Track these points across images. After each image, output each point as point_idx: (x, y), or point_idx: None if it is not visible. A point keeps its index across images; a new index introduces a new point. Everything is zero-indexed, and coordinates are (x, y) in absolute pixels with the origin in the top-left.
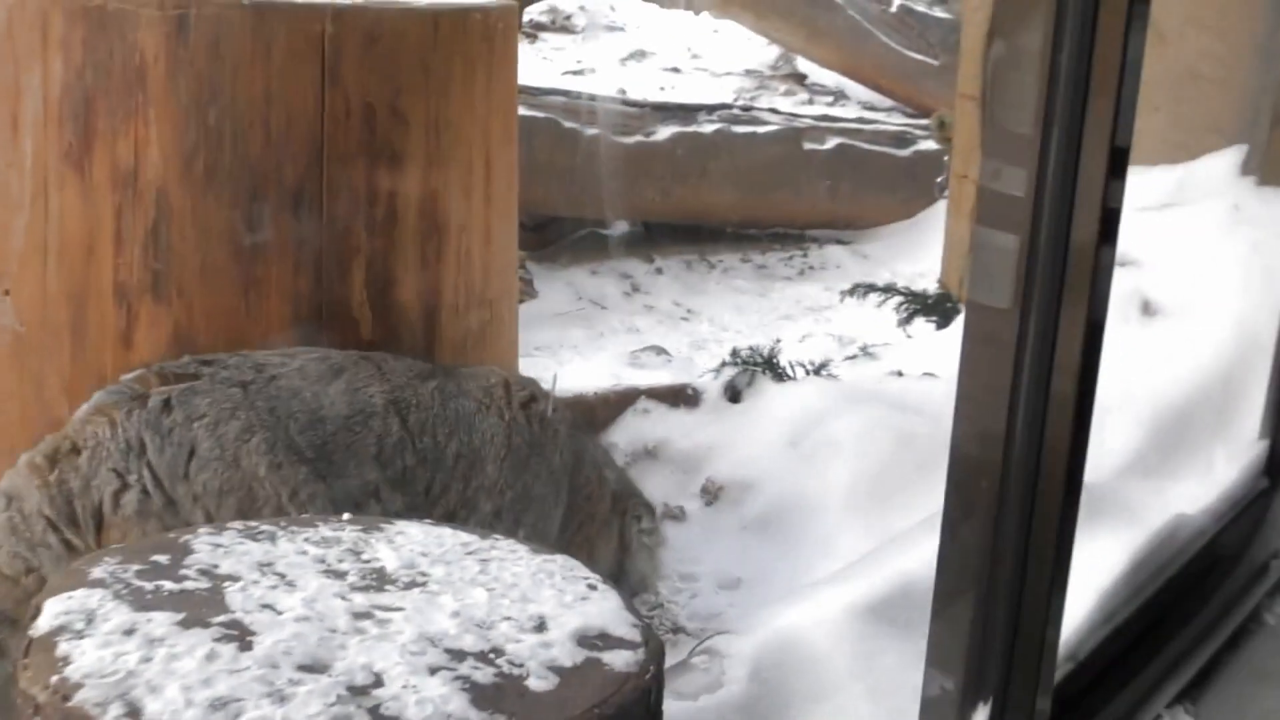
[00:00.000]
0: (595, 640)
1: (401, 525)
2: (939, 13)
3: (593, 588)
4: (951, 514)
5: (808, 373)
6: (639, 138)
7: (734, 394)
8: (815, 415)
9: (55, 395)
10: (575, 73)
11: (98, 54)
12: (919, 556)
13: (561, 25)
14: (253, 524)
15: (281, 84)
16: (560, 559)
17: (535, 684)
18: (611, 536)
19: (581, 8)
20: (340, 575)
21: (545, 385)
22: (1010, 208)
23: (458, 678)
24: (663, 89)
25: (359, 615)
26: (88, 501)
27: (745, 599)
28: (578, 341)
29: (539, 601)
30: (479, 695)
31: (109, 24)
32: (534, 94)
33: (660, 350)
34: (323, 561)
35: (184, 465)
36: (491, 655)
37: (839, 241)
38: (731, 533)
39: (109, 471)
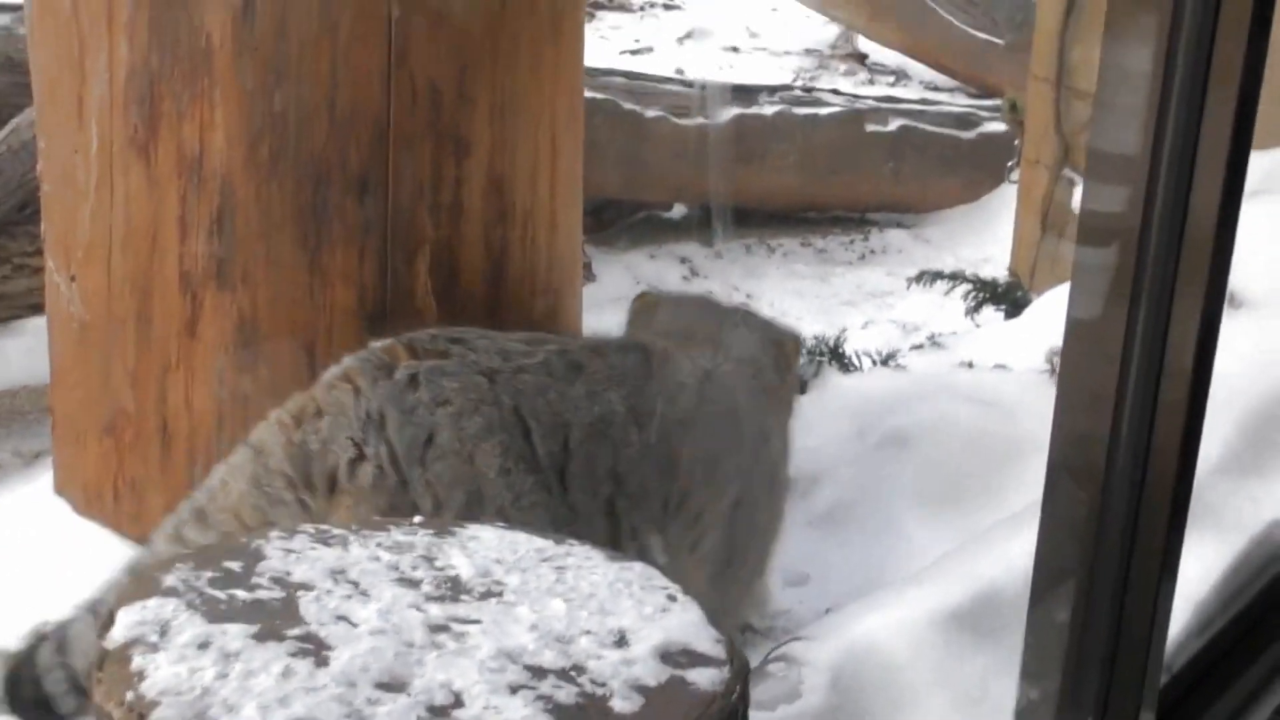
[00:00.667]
0: (679, 657)
1: (474, 530)
2: None
3: (672, 599)
4: (1049, 520)
5: (875, 363)
6: (700, 120)
7: (800, 384)
8: (884, 407)
9: (120, 383)
10: (633, 52)
11: (164, 37)
12: (1002, 561)
13: (619, 4)
14: (323, 527)
15: (347, 66)
16: (638, 567)
17: (619, 705)
18: None
19: None
20: (414, 584)
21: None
22: (1119, 206)
23: (540, 698)
24: (721, 69)
25: (435, 628)
26: (324, 466)
27: (813, 596)
28: None
29: (618, 614)
30: (562, 717)
31: (175, 6)
32: (593, 75)
33: None
34: (396, 568)
35: (421, 449)
36: (573, 673)
37: (901, 225)
38: (798, 527)
39: (347, 440)
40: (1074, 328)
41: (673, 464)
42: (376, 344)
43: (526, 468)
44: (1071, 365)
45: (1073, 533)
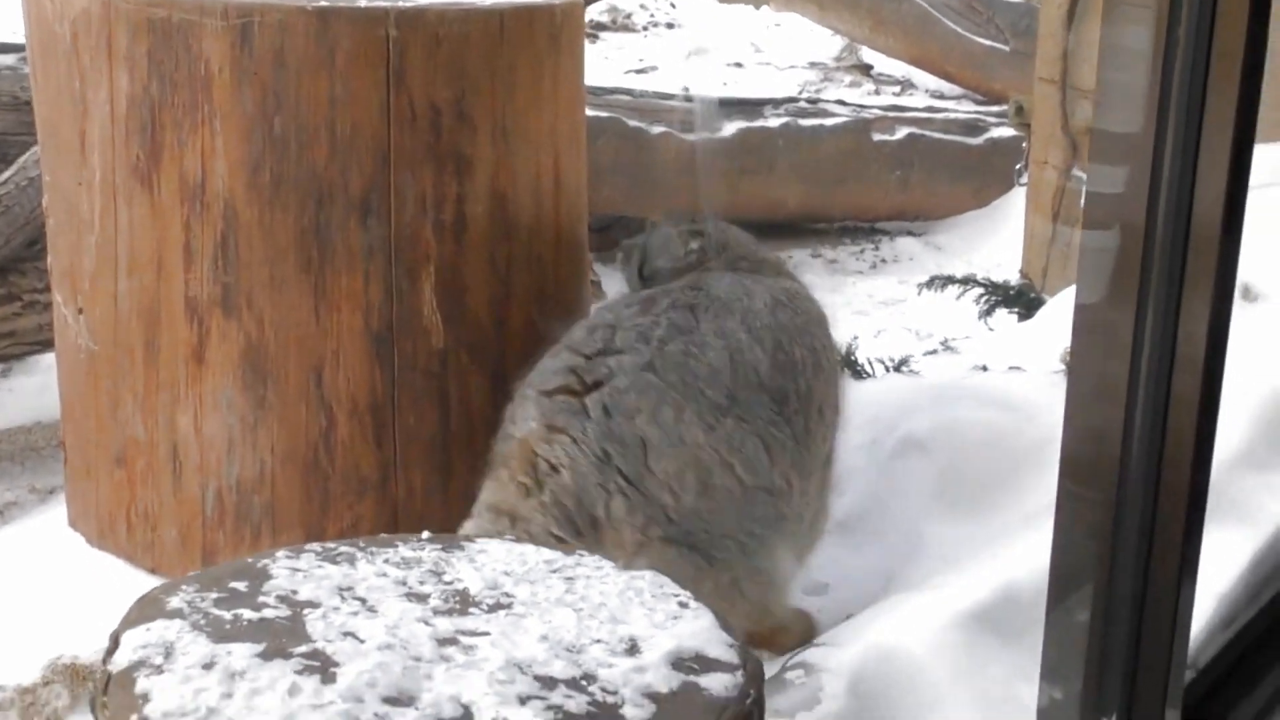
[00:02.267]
0: (691, 663)
1: (482, 543)
2: None
3: (684, 605)
4: (1064, 518)
5: (887, 369)
6: (703, 134)
7: None
8: (898, 412)
9: (130, 413)
10: (638, 71)
11: (163, 66)
12: (1021, 561)
13: (622, 24)
14: (330, 545)
15: (346, 90)
16: (649, 575)
17: (631, 712)
18: None
19: (641, 5)
20: (422, 598)
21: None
22: (1124, 193)
23: (550, 707)
24: (725, 84)
25: (444, 641)
26: (584, 514)
27: (833, 604)
28: None
29: (629, 622)
30: None
31: (173, 35)
32: (597, 94)
33: None
34: (404, 584)
35: (643, 459)
36: (583, 682)
37: (911, 233)
38: None
39: (596, 487)
40: (1083, 320)
41: (798, 367)
42: (548, 385)
43: (722, 413)
44: (1081, 359)
45: (1089, 530)
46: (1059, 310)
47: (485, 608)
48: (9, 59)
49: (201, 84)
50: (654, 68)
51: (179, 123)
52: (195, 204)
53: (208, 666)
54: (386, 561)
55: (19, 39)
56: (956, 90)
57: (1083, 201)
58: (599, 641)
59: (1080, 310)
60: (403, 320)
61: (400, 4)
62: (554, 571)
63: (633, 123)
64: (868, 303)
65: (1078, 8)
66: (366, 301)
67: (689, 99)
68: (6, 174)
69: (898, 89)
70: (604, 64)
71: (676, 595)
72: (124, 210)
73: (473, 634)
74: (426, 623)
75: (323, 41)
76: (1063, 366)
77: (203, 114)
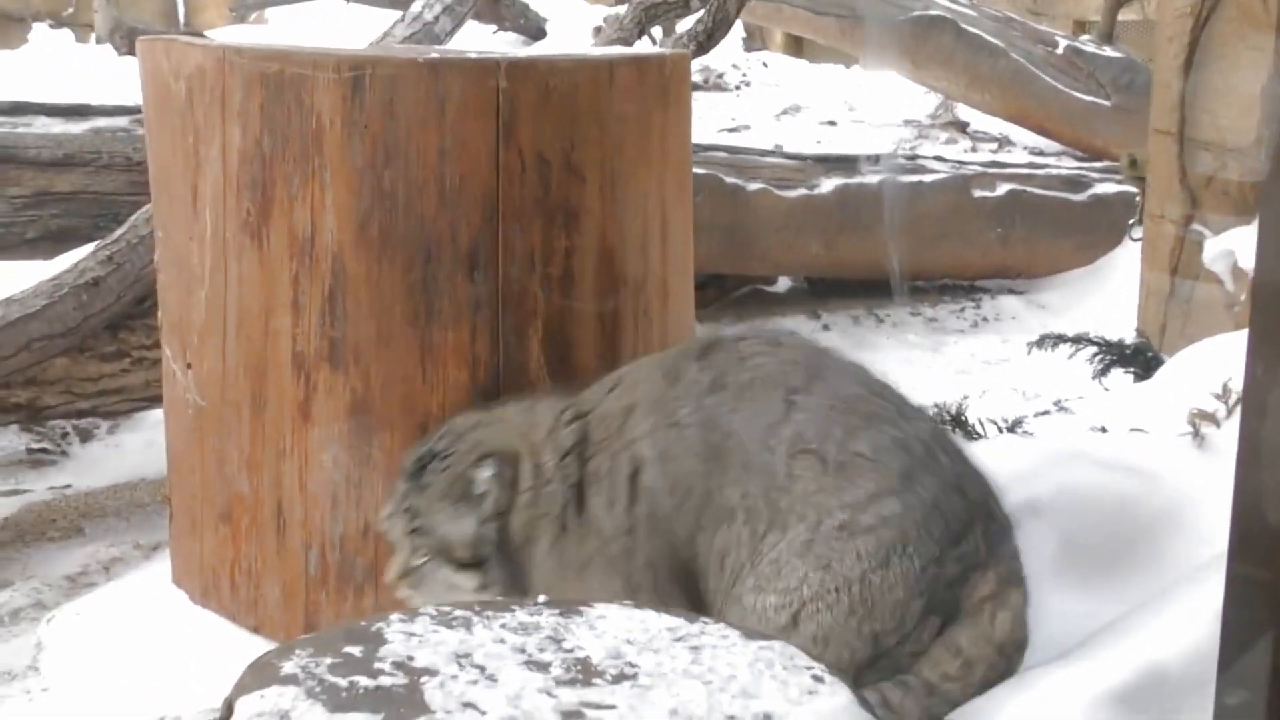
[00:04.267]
0: None
1: (601, 609)
2: (1109, 51)
3: (819, 679)
4: (1234, 605)
5: (1000, 430)
6: (802, 191)
7: None
8: (1014, 475)
9: (236, 469)
10: (731, 129)
11: (275, 120)
12: (1164, 638)
13: (714, 84)
14: (445, 609)
15: (455, 141)
16: (778, 645)
17: None
18: None
19: (734, 65)
20: (543, 667)
21: None
22: None
23: None
24: (819, 142)
25: (568, 715)
26: None
27: None
28: None
29: (762, 697)
30: None
31: (286, 89)
32: (695, 150)
33: None
34: (523, 651)
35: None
36: None
37: (1012, 291)
38: None
39: None
40: (1259, 381)
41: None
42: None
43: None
44: (1254, 419)
45: (1267, 618)
46: (1182, 369)
47: (609, 678)
48: (122, 121)
49: (313, 137)
50: (746, 126)
51: (289, 176)
52: (304, 258)
53: None
54: (504, 627)
55: (130, 102)
56: (1055, 147)
57: (1207, 262)
58: (732, 718)
59: (1255, 370)
60: (509, 375)
61: (511, 55)
62: (678, 640)
63: (729, 179)
64: (970, 362)
65: (1195, 57)
66: (473, 356)
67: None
68: (118, 232)
69: (995, 146)
70: (697, 123)
71: (810, 667)
72: (234, 265)
73: (598, 707)
74: (549, 694)
75: (433, 93)
76: (1191, 429)
77: (313, 167)
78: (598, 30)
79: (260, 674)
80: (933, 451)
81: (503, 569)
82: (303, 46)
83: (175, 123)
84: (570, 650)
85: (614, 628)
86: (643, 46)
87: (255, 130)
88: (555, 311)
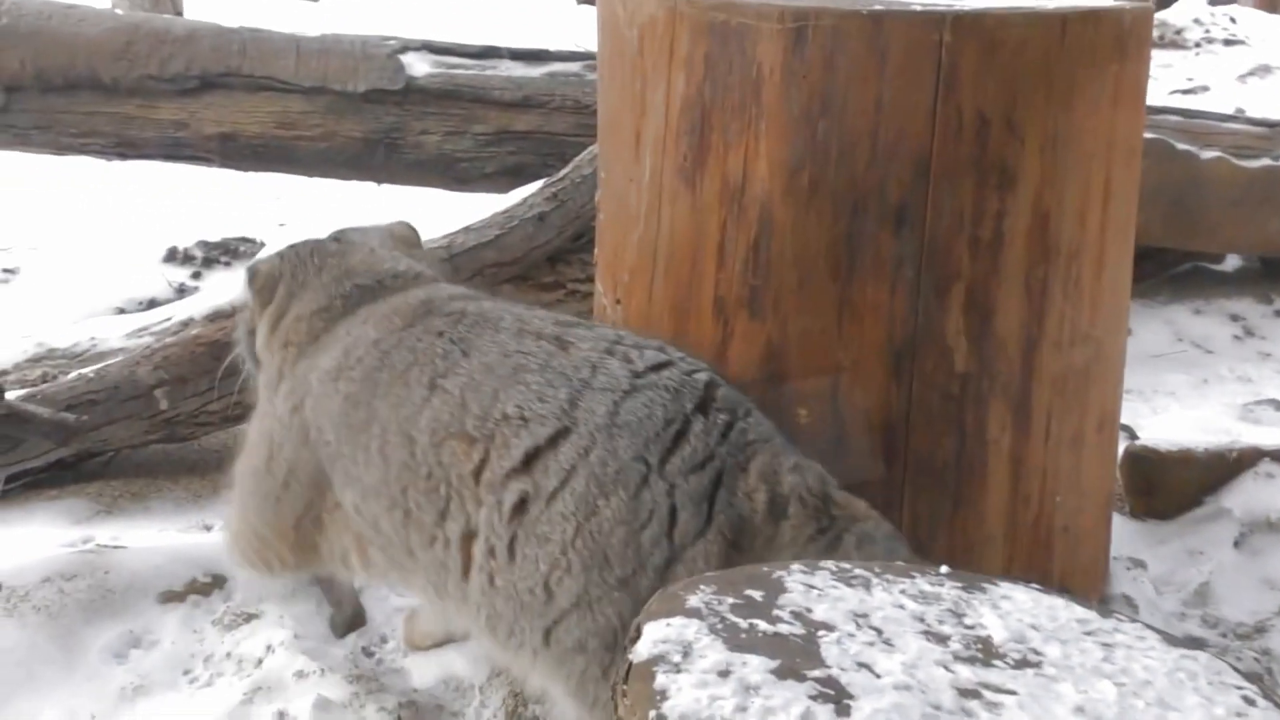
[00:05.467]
0: None
1: (1006, 588)
2: None
3: (1250, 701)
4: None
5: None
6: (1266, 162)
7: None
8: None
9: None
10: (1185, 91)
11: (717, 69)
12: None
13: (1171, 40)
14: (846, 566)
15: (893, 95)
16: (1203, 657)
17: None
18: None
19: (1196, 20)
20: (942, 640)
21: None
22: None
23: None
24: None
25: (965, 693)
26: None
27: None
28: (1176, 387)
29: (1183, 710)
30: None
31: (730, 39)
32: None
33: None
34: (921, 620)
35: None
36: None
37: None
38: None
39: None
40: None
41: None
42: None
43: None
44: None
45: None
46: None
47: (1011, 662)
48: (574, 66)
49: (752, 87)
50: (1204, 88)
51: (726, 125)
52: (733, 205)
53: (723, 674)
54: (903, 593)
55: (582, 48)
56: None
57: None
58: None
59: None
60: (925, 338)
61: (957, 7)
62: (1088, 633)
63: (1181, 145)
64: None
65: None
66: (891, 314)
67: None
68: (564, 171)
69: None
70: (1150, 83)
71: (1239, 686)
72: (667, 209)
73: (998, 690)
74: (947, 668)
75: (874, 46)
76: None
77: (749, 116)
78: None
79: (668, 604)
80: (604, 366)
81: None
82: None
83: (626, 68)
84: (971, 627)
85: (1019, 610)
86: None
87: (698, 78)
88: (980, 275)
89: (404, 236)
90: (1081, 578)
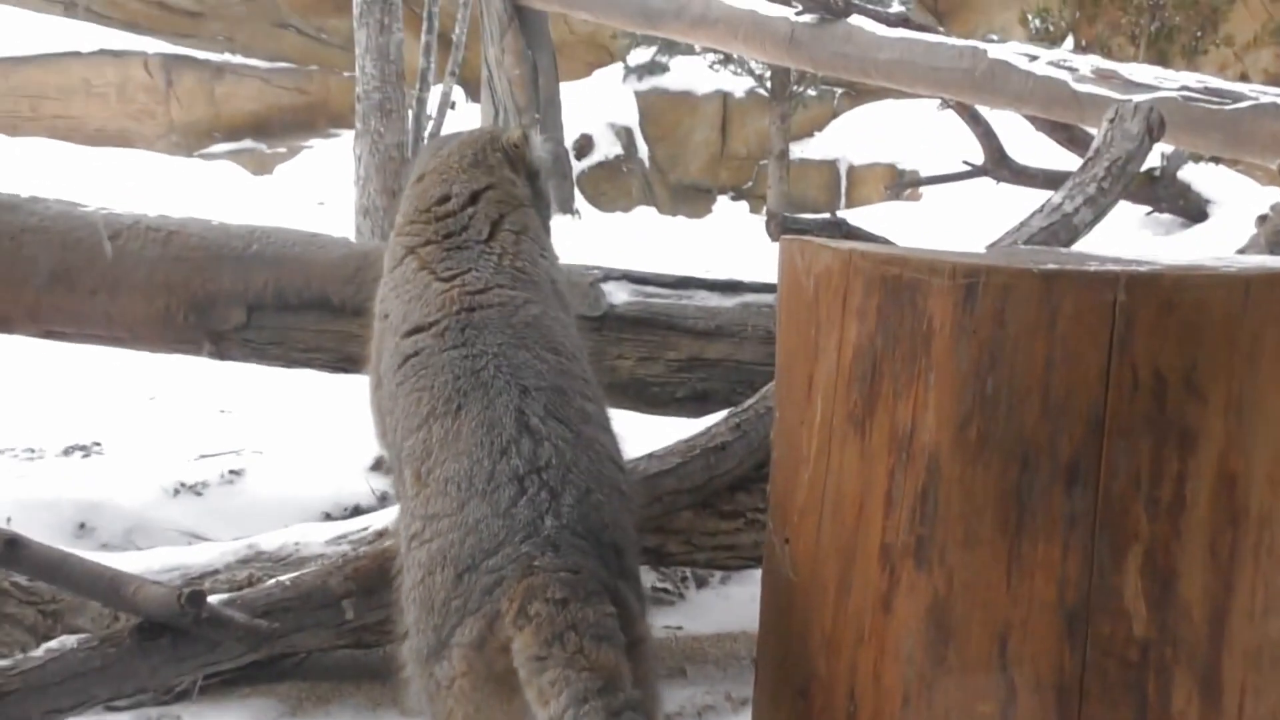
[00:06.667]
0: None
1: None
2: None
3: None
4: None
5: None
6: None
7: None
8: None
9: (816, 648)
10: None
11: (889, 321)
12: None
13: None
14: None
15: (1064, 353)
16: None
17: None
18: None
19: None
20: None
21: None
22: None
23: None
24: None
25: None
26: None
27: None
28: None
29: None
30: None
31: (902, 292)
32: None
33: None
34: None
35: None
36: None
37: None
38: None
39: None
40: None
41: None
42: None
43: None
44: None
45: None
46: None
47: None
48: (768, 297)
49: (922, 339)
50: None
51: (896, 374)
52: (901, 454)
53: None
54: None
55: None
56: None
57: None
58: None
59: None
60: (1101, 599)
61: (1133, 268)
62: None
63: None
64: None
65: None
66: (1063, 573)
67: None
68: (749, 402)
69: None
70: None
71: None
72: (836, 452)
73: None
74: None
75: (1045, 304)
76: None
77: (919, 367)
78: (1262, 219)
79: None
80: (494, 478)
81: None
82: (922, 252)
83: (802, 314)
84: None
85: None
86: None
87: (870, 328)
88: (1161, 538)
89: None
90: None
